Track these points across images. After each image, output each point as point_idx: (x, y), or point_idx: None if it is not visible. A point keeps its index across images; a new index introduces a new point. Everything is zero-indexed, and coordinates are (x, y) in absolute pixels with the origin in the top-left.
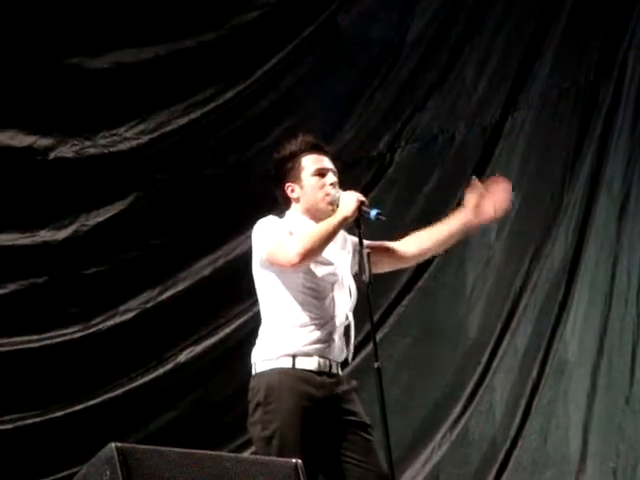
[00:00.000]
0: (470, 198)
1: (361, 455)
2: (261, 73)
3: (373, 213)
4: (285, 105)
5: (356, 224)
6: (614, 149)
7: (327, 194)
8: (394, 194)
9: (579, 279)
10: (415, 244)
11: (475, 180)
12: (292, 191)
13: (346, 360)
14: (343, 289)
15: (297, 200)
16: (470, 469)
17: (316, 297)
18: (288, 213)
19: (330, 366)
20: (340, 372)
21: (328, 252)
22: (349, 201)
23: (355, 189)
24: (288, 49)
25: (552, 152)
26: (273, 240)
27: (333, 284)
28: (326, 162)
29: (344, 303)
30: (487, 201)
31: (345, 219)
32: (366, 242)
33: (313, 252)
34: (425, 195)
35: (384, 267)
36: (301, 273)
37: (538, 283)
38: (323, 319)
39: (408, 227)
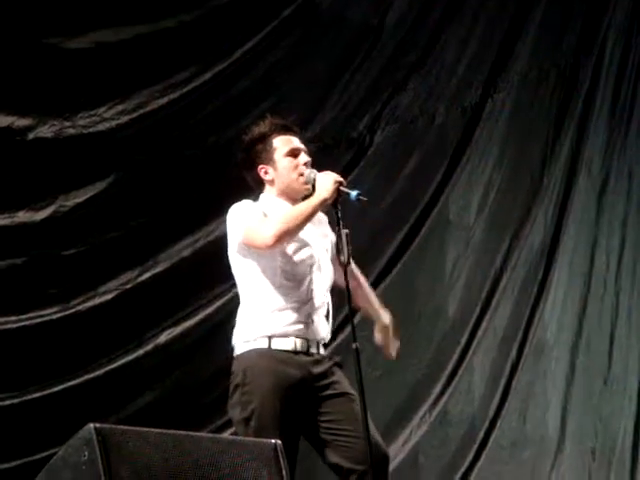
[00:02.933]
0: (384, 323)
1: (348, 424)
2: (241, 53)
3: (353, 194)
4: (265, 86)
5: (334, 205)
6: (594, 130)
7: (301, 174)
8: (374, 175)
9: (558, 260)
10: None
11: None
12: (265, 173)
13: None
14: (320, 271)
15: (271, 182)
16: (449, 449)
17: (293, 280)
18: (262, 196)
19: (308, 346)
20: (321, 351)
21: (305, 234)
22: (327, 182)
23: (335, 170)
24: (268, 29)
25: (532, 133)
26: (249, 223)
27: (311, 266)
28: (297, 142)
29: (322, 284)
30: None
31: (324, 201)
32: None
33: (288, 233)
34: (405, 176)
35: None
36: (279, 257)
37: (517, 264)
38: (301, 302)
39: (388, 208)
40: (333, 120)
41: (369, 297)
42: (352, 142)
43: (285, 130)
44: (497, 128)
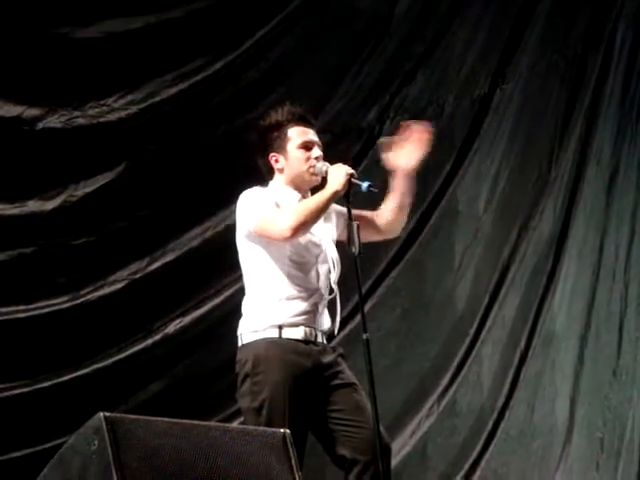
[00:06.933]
0: (387, 158)
1: (353, 415)
2: (250, 43)
3: (365, 185)
4: (274, 76)
5: (345, 197)
6: (603, 121)
7: (311, 166)
8: (383, 166)
9: (567, 251)
10: (381, 216)
11: (383, 142)
12: (276, 161)
13: (332, 332)
14: (326, 262)
15: (281, 171)
16: (458, 440)
17: (301, 270)
18: (271, 183)
19: (316, 335)
20: (325, 341)
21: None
22: (338, 174)
23: (344, 160)
24: (277, 19)
25: (540, 124)
26: (262, 212)
27: (317, 257)
28: (312, 135)
29: (327, 275)
30: (404, 148)
31: (336, 193)
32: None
33: (305, 226)
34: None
35: (366, 237)
36: (288, 246)
37: (526, 255)
38: (308, 291)
39: None
40: (342, 110)
41: (386, 204)
42: (361, 132)
43: (302, 121)
44: (506, 119)
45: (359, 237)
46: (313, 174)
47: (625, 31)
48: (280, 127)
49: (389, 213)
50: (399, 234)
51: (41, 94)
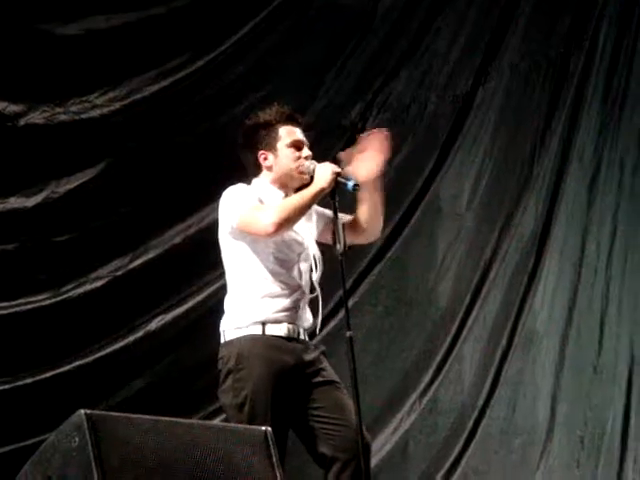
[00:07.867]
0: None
1: (333, 412)
2: (233, 41)
3: (350, 184)
4: (257, 73)
5: (331, 195)
6: (585, 119)
7: (300, 165)
8: None
9: (549, 249)
10: (357, 222)
11: (341, 155)
12: (265, 159)
13: (314, 330)
14: (308, 259)
15: (269, 168)
16: (439, 437)
17: (283, 267)
18: (255, 180)
19: (298, 332)
20: (307, 339)
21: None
22: (325, 172)
23: (327, 158)
24: (260, 16)
25: (523, 122)
26: (245, 208)
27: (299, 254)
28: (300, 134)
29: (309, 273)
30: (365, 156)
31: (322, 190)
32: (329, 211)
33: (289, 222)
34: (396, 164)
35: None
36: (271, 243)
37: (508, 253)
38: (290, 289)
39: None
40: (325, 108)
41: (359, 209)
42: (344, 130)
43: (291, 121)
44: (488, 117)
45: (344, 235)
46: (301, 173)
47: (608, 30)
48: (270, 126)
49: (364, 219)
50: (378, 237)
51: (23, 90)
